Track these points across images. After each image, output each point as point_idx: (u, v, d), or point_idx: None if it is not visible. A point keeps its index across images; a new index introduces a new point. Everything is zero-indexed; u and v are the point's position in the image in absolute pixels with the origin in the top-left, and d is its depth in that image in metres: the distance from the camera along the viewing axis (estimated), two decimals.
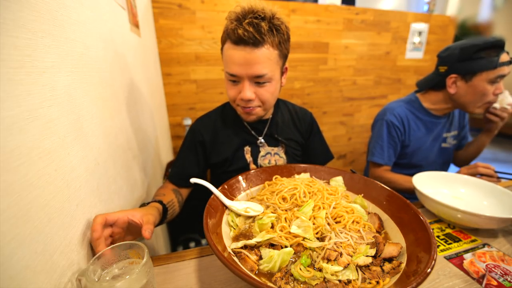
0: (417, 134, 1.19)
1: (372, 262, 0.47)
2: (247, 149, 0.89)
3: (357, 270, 0.45)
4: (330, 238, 0.50)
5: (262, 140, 0.91)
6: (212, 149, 0.89)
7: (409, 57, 2.35)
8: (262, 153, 0.90)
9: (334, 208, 0.57)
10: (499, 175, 0.94)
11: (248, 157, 0.89)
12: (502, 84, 1.03)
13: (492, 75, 0.99)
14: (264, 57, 0.72)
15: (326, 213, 0.55)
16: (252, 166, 0.89)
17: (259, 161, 0.90)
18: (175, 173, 0.88)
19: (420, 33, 2.29)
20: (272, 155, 0.91)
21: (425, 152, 1.22)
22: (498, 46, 0.99)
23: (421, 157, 1.23)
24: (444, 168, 1.32)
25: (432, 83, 1.15)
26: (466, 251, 0.62)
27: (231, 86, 0.78)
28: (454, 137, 1.28)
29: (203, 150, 0.90)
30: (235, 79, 0.75)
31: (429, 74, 1.18)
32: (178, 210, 0.80)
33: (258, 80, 0.75)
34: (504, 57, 0.98)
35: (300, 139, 0.97)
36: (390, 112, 1.20)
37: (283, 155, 0.92)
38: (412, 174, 0.89)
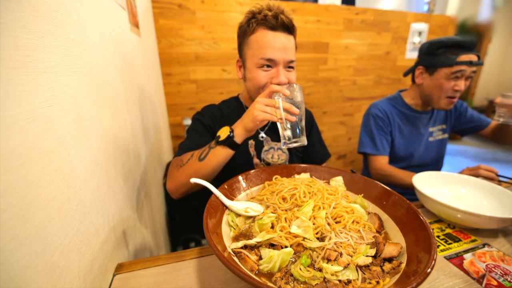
0: (401, 128, 1.25)
1: (372, 262, 0.47)
2: (251, 143, 0.90)
3: (357, 270, 0.45)
4: (330, 238, 0.50)
5: (264, 135, 0.92)
6: None
7: (409, 57, 2.35)
8: (265, 147, 0.91)
9: (334, 208, 0.57)
10: (501, 178, 0.94)
11: (252, 150, 0.90)
12: (464, 82, 1.08)
13: (449, 71, 1.07)
14: (293, 45, 0.81)
15: (326, 213, 0.55)
16: (256, 160, 0.90)
17: (263, 155, 0.91)
18: (186, 146, 0.82)
19: (420, 33, 2.29)
20: (275, 150, 0.92)
21: (412, 145, 1.26)
22: (460, 46, 1.06)
23: (409, 150, 1.26)
24: (438, 161, 1.35)
25: (409, 71, 1.24)
26: (466, 251, 0.62)
27: (261, 73, 0.79)
28: (443, 131, 1.31)
29: (210, 135, 0.89)
30: (269, 64, 0.78)
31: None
32: None
33: (290, 65, 0.80)
34: (464, 57, 1.04)
35: None
36: (374, 107, 1.27)
37: (285, 150, 0.94)
38: (402, 167, 0.89)
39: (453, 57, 1.05)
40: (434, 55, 1.10)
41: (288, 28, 0.78)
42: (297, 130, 0.67)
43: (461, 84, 1.08)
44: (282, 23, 0.76)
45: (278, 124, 0.68)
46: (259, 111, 0.65)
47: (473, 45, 1.06)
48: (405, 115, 1.25)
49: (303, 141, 0.67)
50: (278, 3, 0.78)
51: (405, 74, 1.27)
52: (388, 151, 1.23)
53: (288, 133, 0.68)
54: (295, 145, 0.68)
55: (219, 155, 0.70)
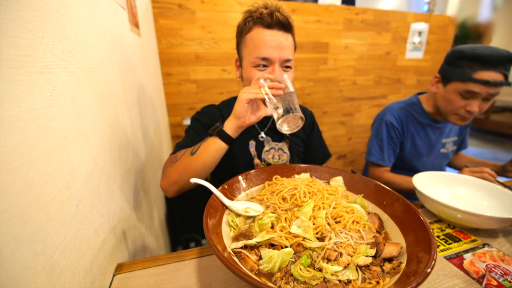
0: (415, 137, 1.19)
1: (372, 262, 0.47)
2: (252, 143, 0.90)
3: (357, 270, 0.45)
4: (330, 238, 0.50)
5: (263, 135, 0.91)
6: None
7: (409, 57, 2.35)
8: (266, 147, 0.91)
9: (334, 208, 0.57)
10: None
11: (253, 151, 0.90)
12: (478, 104, 0.95)
13: (461, 87, 0.96)
14: (291, 43, 0.79)
15: (326, 213, 0.55)
16: (256, 160, 0.89)
17: (263, 155, 0.90)
18: (183, 144, 0.82)
19: (420, 33, 2.29)
20: (276, 150, 0.92)
21: (422, 156, 1.22)
22: (483, 60, 0.90)
23: (418, 161, 1.23)
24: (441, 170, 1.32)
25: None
26: (466, 251, 0.62)
27: (257, 72, 0.78)
28: (454, 143, 1.28)
29: None
30: (265, 63, 0.77)
31: None
32: None
33: (286, 64, 0.79)
34: (481, 75, 0.90)
35: (303, 135, 0.99)
36: (390, 113, 1.19)
37: (286, 150, 0.93)
38: (409, 175, 0.87)
39: (469, 72, 0.91)
40: (452, 65, 0.98)
41: (284, 25, 0.76)
42: (289, 104, 0.64)
43: (474, 105, 0.95)
44: (277, 20, 0.75)
45: (269, 106, 0.66)
46: (244, 93, 0.66)
47: (500, 61, 0.89)
48: (421, 124, 1.17)
49: (298, 112, 0.63)
50: (276, 1, 0.77)
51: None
52: (392, 163, 1.21)
53: (279, 110, 0.64)
54: (290, 126, 0.65)
55: (209, 146, 0.69)
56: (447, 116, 1.08)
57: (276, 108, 0.64)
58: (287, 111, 0.63)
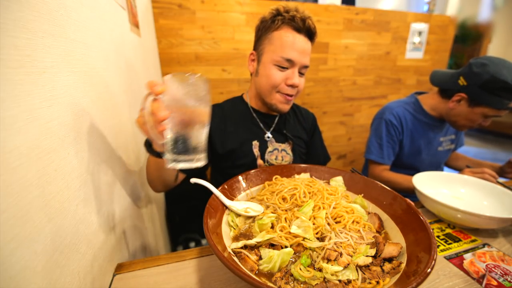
0: (414, 135, 1.20)
1: (372, 262, 0.47)
2: (255, 143, 0.89)
3: (357, 270, 0.45)
4: (330, 238, 0.50)
5: (270, 135, 0.91)
6: (219, 138, 0.87)
7: (409, 57, 2.35)
8: (269, 148, 0.91)
9: (334, 208, 0.57)
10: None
11: (256, 151, 0.89)
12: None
13: (491, 113, 0.99)
14: (310, 52, 0.83)
15: (326, 213, 0.55)
16: (259, 161, 0.89)
17: (266, 156, 0.90)
18: None
19: (420, 33, 2.28)
20: (279, 151, 0.91)
21: (421, 154, 1.23)
22: None
23: (417, 159, 1.24)
24: (437, 170, 1.32)
25: (445, 86, 1.10)
26: (466, 251, 0.62)
27: (277, 71, 0.80)
28: (452, 141, 1.29)
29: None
30: (286, 65, 0.78)
31: (449, 72, 1.09)
32: (172, 178, 0.73)
33: (302, 71, 0.81)
34: None
35: (305, 137, 0.99)
36: (389, 111, 1.20)
37: (289, 152, 0.93)
38: (407, 174, 0.87)
39: (506, 102, 0.93)
40: (490, 92, 0.94)
41: (310, 34, 0.80)
42: (175, 145, 0.45)
43: (488, 122, 1.04)
44: (308, 28, 0.78)
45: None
46: (139, 115, 0.49)
47: None
48: (420, 122, 1.19)
49: (190, 162, 0.46)
50: (304, 8, 0.79)
51: (435, 82, 1.12)
52: (391, 161, 1.21)
53: (167, 147, 0.46)
54: (177, 166, 0.46)
55: (149, 162, 0.68)
56: (453, 125, 1.12)
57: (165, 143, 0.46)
58: (171, 152, 0.45)
